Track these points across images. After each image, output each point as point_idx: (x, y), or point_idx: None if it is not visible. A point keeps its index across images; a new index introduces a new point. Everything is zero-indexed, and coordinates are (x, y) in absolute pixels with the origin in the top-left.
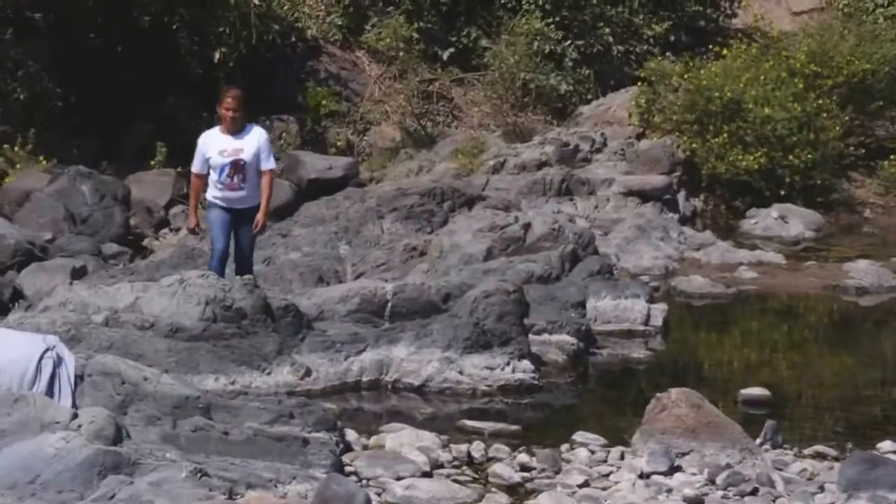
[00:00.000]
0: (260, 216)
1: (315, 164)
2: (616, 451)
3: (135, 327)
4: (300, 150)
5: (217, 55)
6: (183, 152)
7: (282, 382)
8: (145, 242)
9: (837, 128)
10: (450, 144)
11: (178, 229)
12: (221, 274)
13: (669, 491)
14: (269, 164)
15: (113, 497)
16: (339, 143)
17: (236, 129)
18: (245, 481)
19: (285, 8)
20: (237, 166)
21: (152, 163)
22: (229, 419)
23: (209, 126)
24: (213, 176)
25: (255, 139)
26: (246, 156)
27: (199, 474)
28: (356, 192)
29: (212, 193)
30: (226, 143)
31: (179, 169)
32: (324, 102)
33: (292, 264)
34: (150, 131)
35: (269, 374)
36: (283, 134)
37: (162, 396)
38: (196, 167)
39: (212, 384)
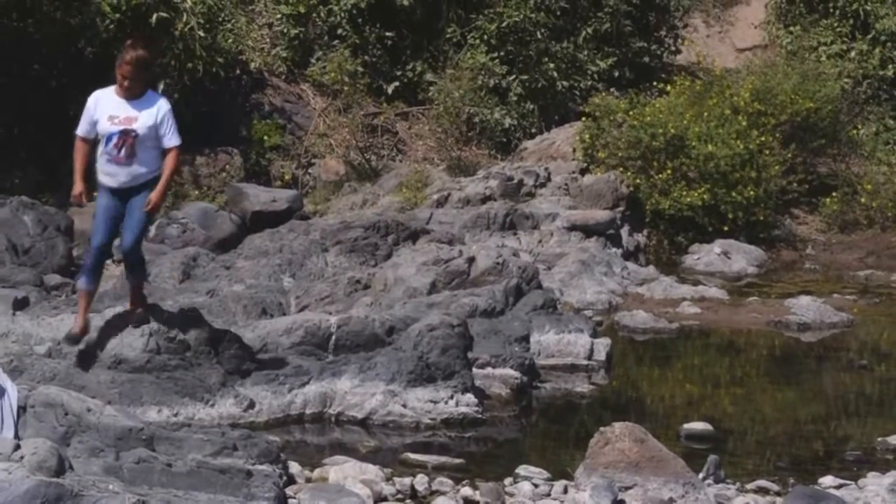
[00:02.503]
0: (154, 195)
1: (259, 197)
2: (559, 484)
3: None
4: (244, 183)
5: (161, 86)
6: None
7: (225, 414)
8: None
9: (778, 166)
10: (394, 178)
11: (120, 261)
12: (96, 275)
13: None
14: (172, 140)
15: None
16: (283, 176)
17: (133, 95)
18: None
19: (230, 41)
20: (126, 138)
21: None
22: (172, 451)
23: None
24: (100, 146)
25: (154, 111)
26: (139, 127)
27: None
28: (300, 224)
29: (98, 167)
30: (118, 109)
31: None
32: (268, 135)
33: (236, 296)
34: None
35: (212, 405)
36: (227, 166)
37: (105, 428)
38: (81, 130)
39: (155, 416)
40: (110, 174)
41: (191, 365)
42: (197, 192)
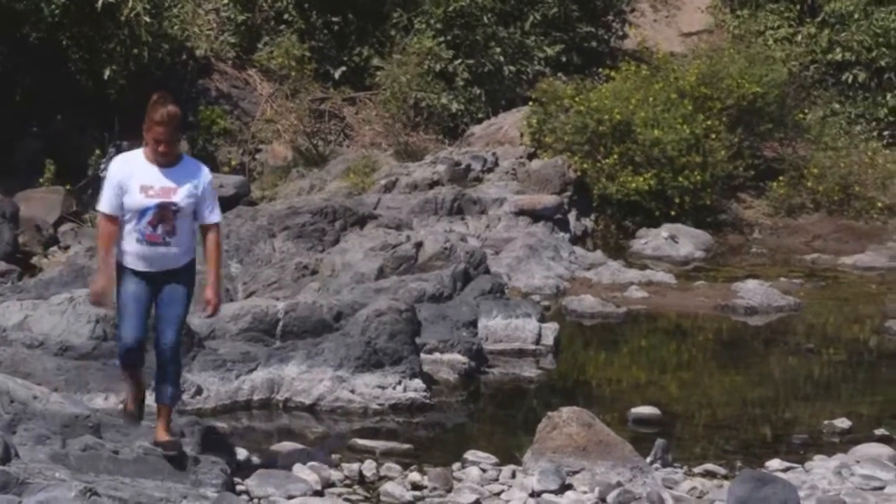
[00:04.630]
0: (211, 293)
1: None
2: (507, 469)
3: (24, 346)
4: None
5: (107, 72)
6: (72, 170)
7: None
8: (34, 260)
9: (725, 150)
10: (341, 163)
11: (67, 247)
12: (136, 377)
13: None
14: (215, 215)
15: None
16: (230, 162)
17: (169, 161)
18: (135, 500)
19: (176, 27)
20: (165, 213)
21: (41, 180)
22: (119, 438)
23: (100, 145)
24: (128, 223)
25: (195, 178)
26: (180, 199)
27: (88, 494)
28: (247, 210)
29: (123, 248)
30: (152, 178)
31: (69, 186)
32: (215, 121)
33: None
34: (39, 148)
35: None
36: None
37: (51, 415)
38: (107, 205)
39: (101, 403)
40: (142, 257)
41: None
42: None
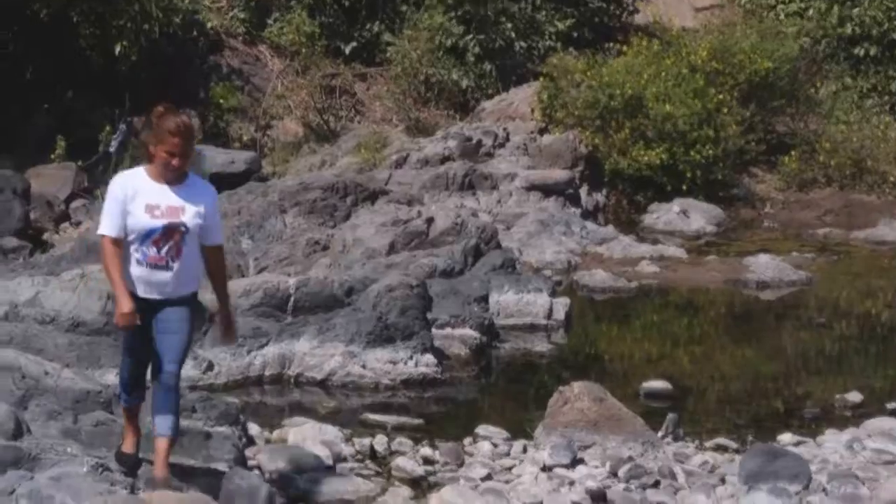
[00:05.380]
0: (228, 319)
1: (217, 159)
2: (519, 444)
3: (35, 322)
4: (202, 145)
5: (118, 48)
6: (83, 146)
7: (184, 376)
8: (45, 236)
9: (736, 125)
10: (352, 139)
11: (78, 223)
12: (136, 414)
13: (572, 484)
14: (219, 235)
15: (13, 492)
16: (241, 138)
17: (178, 178)
18: (147, 476)
19: (186, 2)
20: (172, 234)
21: (52, 157)
22: None
23: (111, 122)
24: (130, 244)
25: (203, 197)
26: (188, 219)
27: (100, 469)
28: (258, 186)
29: (125, 272)
30: (158, 196)
31: (80, 163)
32: (226, 97)
33: None
34: (50, 125)
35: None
36: None
37: (63, 391)
38: (110, 227)
39: (113, 378)
40: (143, 281)
41: None
42: None
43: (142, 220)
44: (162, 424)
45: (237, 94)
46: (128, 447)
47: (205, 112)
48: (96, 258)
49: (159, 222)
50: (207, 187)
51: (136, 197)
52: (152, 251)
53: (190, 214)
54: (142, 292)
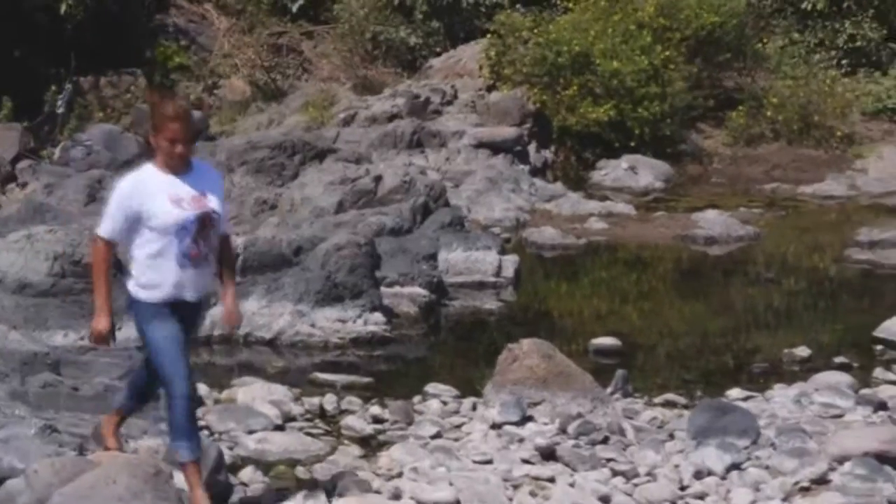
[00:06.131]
0: (231, 303)
1: None
2: (468, 402)
3: None
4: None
5: (63, 8)
6: (29, 107)
7: (132, 337)
8: None
9: (684, 81)
10: (300, 97)
11: (24, 184)
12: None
13: (521, 441)
14: (228, 224)
15: None
16: (189, 97)
17: (186, 167)
18: (95, 437)
19: None
20: (206, 223)
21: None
22: (79, 375)
23: (57, 82)
24: (164, 247)
25: (216, 182)
26: (215, 205)
27: (48, 430)
28: (206, 145)
29: (153, 283)
30: (178, 188)
31: (26, 123)
32: (172, 56)
33: None
34: None
35: (119, 329)
36: (132, 88)
37: (10, 353)
38: (109, 229)
39: (61, 340)
40: (187, 283)
41: None
42: (101, 114)
43: (172, 212)
44: (186, 447)
45: (183, 53)
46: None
47: (151, 72)
48: (42, 219)
49: (191, 212)
50: (214, 172)
51: (155, 194)
52: (193, 247)
53: (214, 201)
54: (188, 296)
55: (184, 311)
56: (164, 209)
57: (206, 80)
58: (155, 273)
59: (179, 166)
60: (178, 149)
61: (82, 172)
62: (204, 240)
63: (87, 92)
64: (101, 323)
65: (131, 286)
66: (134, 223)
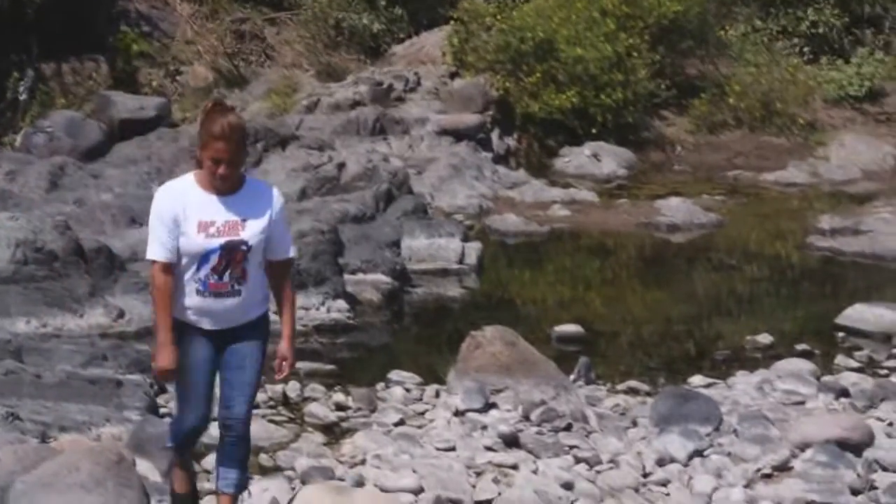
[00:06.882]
0: (289, 349)
1: (126, 105)
2: (431, 389)
3: None
4: (111, 91)
5: None
6: None
7: (95, 325)
8: None
9: (647, 68)
10: (263, 84)
11: None
12: (189, 457)
13: (484, 428)
14: (289, 249)
15: None
16: (151, 84)
17: (231, 188)
18: (58, 424)
19: None
20: (234, 255)
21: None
22: (41, 362)
23: (19, 69)
24: (184, 270)
25: (266, 206)
26: (250, 236)
27: (10, 418)
28: (168, 132)
29: (181, 301)
30: (212, 211)
31: None
32: (135, 43)
33: (104, 206)
34: None
35: (81, 316)
36: (94, 74)
37: None
38: (160, 251)
39: (23, 327)
40: (206, 312)
41: (59, 275)
42: (63, 101)
43: (195, 241)
44: (228, 479)
45: (145, 39)
46: (180, 487)
47: (113, 58)
48: (3, 206)
49: (216, 242)
50: (269, 191)
51: (188, 213)
52: (213, 278)
53: (252, 230)
54: (208, 325)
55: (215, 339)
56: (189, 234)
57: (169, 66)
58: (182, 298)
59: (224, 187)
60: (221, 170)
61: (44, 159)
62: (230, 269)
63: (49, 78)
64: (163, 359)
65: (176, 302)
66: (177, 238)
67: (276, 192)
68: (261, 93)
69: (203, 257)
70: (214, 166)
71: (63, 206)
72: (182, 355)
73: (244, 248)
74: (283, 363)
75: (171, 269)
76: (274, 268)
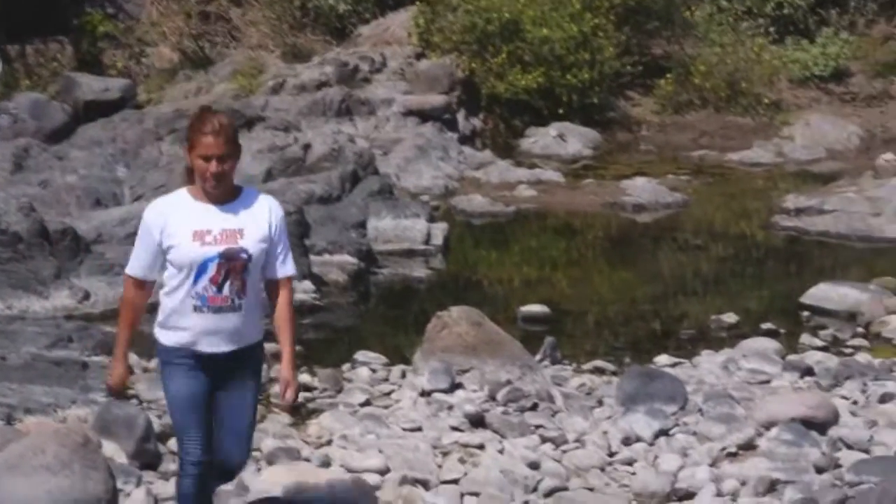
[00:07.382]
0: (287, 370)
1: (91, 86)
2: (397, 369)
3: None
4: (76, 73)
5: None
6: None
7: (60, 306)
8: None
9: (612, 48)
10: (228, 65)
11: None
12: (204, 499)
13: (451, 408)
14: (289, 266)
15: None
16: (116, 65)
17: (226, 194)
18: (24, 406)
19: None
20: (234, 265)
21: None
22: (6, 344)
23: None
24: (179, 286)
25: (264, 215)
26: (250, 244)
27: None
28: (134, 113)
29: (170, 324)
30: (208, 220)
31: None
32: (99, 24)
33: (69, 187)
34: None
35: (46, 298)
36: (58, 55)
37: None
38: (136, 267)
39: None
40: (206, 331)
41: (24, 258)
42: (27, 82)
43: (190, 250)
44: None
45: (110, 20)
46: None
47: (78, 39)
48: None
49: (213, 250)
50: (268, 201)
51: (180, 223)
52: (211, 290)
53: (251, 238)
54: (206, 347)
55: (214, 365)
56: (182, 243)
57: (134, 48)
58: (174, 318)
59: (219, 193)
60: (213, 167)
61: (8, 141)
62: (229, 281)
63: (13, 60)
64: (113, 373)
65: (155, 325)
66: (159, 255)
67: (274, 202)
68: (226, 74)
69: (200, 266)
70: (206, 164)
71: (28, 187)
72: (173, 387)
73: (244, 255)
74: (288, 390)
75: (143, 286)
76: (274, 288)
